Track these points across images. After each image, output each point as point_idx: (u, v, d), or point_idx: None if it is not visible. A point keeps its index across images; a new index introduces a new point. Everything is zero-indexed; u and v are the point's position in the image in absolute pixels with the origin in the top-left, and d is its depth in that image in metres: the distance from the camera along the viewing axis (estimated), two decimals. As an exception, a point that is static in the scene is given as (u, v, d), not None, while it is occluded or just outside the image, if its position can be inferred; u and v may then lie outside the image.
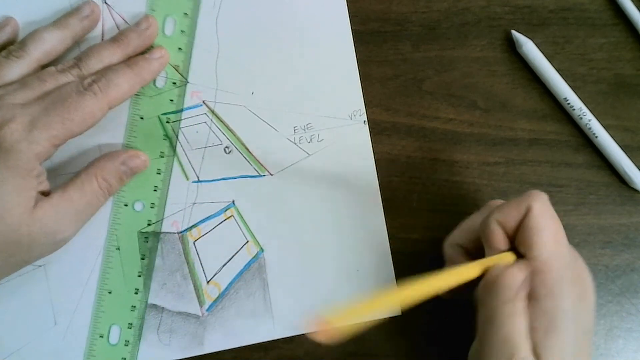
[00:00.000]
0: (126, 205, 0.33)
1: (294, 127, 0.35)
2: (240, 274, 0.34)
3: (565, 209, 0.35)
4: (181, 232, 0.34)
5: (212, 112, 0.34)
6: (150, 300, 0.33)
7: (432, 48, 0.35)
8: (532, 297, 0.26)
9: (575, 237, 0.35)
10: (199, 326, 0.33)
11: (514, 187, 0.35)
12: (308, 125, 0.35)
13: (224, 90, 0.34)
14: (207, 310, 0.33)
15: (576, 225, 0.35)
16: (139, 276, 0.33)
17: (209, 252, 0.34)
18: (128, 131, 0.34)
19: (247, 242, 0.34)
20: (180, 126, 0.34)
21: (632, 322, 0.34)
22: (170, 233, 0.34)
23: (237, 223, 0.34)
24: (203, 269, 0.34)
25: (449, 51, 0.35)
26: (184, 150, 0.34)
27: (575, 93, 0.35)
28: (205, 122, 0.34)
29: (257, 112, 0.34)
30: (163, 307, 0.33)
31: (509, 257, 0.27)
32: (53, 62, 0.32)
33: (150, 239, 0.33)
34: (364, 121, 0.35)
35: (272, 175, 0.34)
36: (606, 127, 0.34)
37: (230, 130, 0.34)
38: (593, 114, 0.34)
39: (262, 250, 0.34)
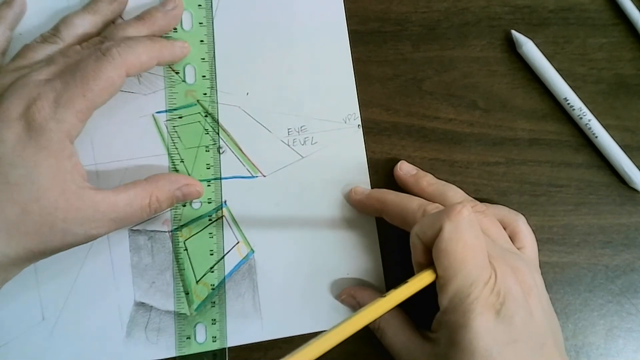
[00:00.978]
0: (184, 205, 0.34)
1: (288, 129, 0.34)
2: (230, 274, 0.34)
3: (565, 209, 0.35)
4: (172, 230, 0.34)
5: (207, 111, 0.34)
6: (139, 299, 0.33)
7: (432, 48, 0.35)
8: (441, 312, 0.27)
9: (575, 237, 0.35)
10: (187, 326, 0.33)
11: (514, 187, 0.35)
12: (302, 128, 0.34)
13: (219, 90, 0.34)
14: (196, 310, 0.33)
15: (576, 225, 0.35)
16: (212, 272, 0.33)
17: (199, 252, 0.34)
18: (170, 132, 0.34)
19: (238, 242, 0.34)
20: (175, 125, 0.34)
21: (632, 322, 0.34)
22: (161, 232, 0.34)
23: (228, 223, 0.34)
24: (193, 268, 0.34)
25: (449, 51, 0.35)
26: (177, 149, 0.34)
27: (575, 93, 0.35)
28: (199, 121, 0.34)
29: (251, 112, 0.34)
30: (152, 306, 0.33)
31: (428, 277, 0.27)
32: None
33: (215, 234, 0.34)
34: (358, 125, 0.35)
35: (264, 176, 0.34)
36: (606, 127, 0.34)
37: (224, 130, 0.34)
38: (593, 114, 0.34)
39: (252, 251, 0.34)
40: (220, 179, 0.34)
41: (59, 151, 0.27)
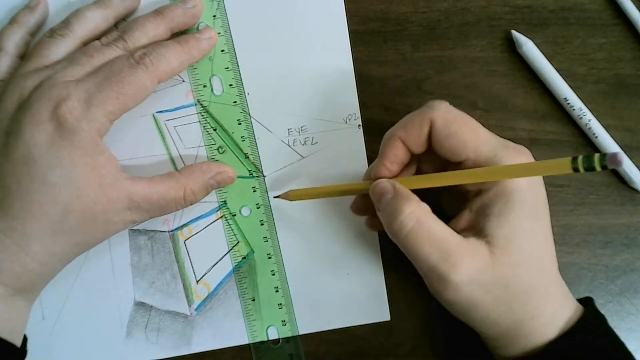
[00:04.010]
0: (234, 215, 0.34)
1: (289, 129, 0.34)
2: (230, 274, 0.34)
3: (565, 209, 0.35)
4: (172, 230, 0.34)
5: (207, 111, 0.34)
6: (139, 299, 0.33)
7: (432, 48, 0.35)
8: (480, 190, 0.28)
9: (575, 237, 0.35)
10: (187, 326, 0.33)
11: (514, 187, 0.35)
12: (302, 128, 0.34)
13: (219, 90, 0.34)
14: (196, 310, 0.33)
15: (576, 225, 0.35)
16: (273, 275, 0.34)
17: (199, 252, 0.34)
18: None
19: (238, 242, 0.34)
20: (175, 125, 0.34)
21: (632, 322, 0.34)
22: (161, 232, 0.34)
23: (228, 223, 0.34)
24: (193, 268, 0.34)
25: (449, 51, 0.35)
26: (177, 149, 0.34)
27: (575, 93, 0.35)
28: (199, 121, 0.34)
29: (251, 112, 0.34)
30: (151, 306, 0.33)
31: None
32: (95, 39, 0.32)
33: (270, 239, 0.34)
34: (359, 125, 0.35)
35: (265, 176, 0.34)
36: (606, 127, 0.34)
37: (224, 130, 0.34)
38: (593, 114, 0.34)
39: (252, 251, 0.34)
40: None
41: (93, 148, 0.28)
